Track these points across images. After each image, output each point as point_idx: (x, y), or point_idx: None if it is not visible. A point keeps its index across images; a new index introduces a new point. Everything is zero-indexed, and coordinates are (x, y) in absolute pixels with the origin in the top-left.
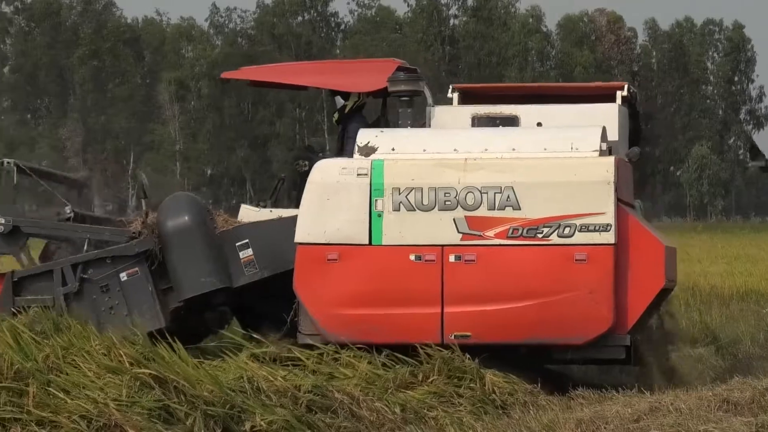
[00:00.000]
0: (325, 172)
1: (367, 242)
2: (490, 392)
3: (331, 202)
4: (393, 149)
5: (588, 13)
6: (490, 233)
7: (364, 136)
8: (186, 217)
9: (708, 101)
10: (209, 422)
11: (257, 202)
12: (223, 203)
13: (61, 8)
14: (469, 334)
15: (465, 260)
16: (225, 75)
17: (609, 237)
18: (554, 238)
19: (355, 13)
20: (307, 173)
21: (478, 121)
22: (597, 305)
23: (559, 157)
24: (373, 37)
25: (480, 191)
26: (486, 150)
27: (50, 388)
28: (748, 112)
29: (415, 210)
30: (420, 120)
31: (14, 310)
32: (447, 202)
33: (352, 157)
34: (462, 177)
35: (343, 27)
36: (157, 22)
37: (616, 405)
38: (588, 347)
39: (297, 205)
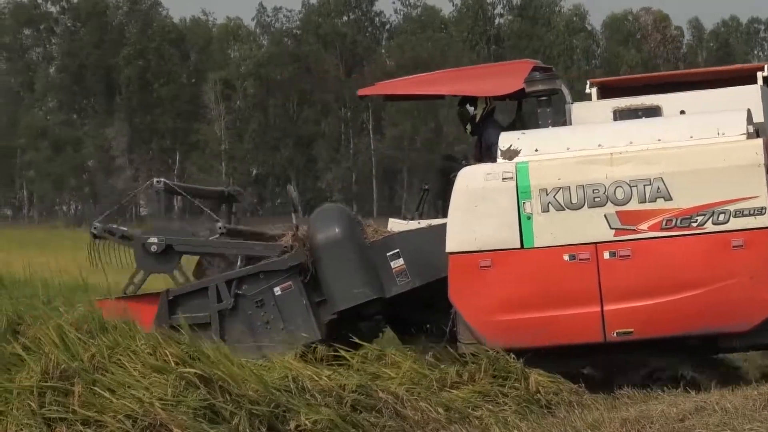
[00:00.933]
0: (471, 179)
1: (518, 246)
2: (534, 392)
3: (479, 209)
4: (536, 150)
5: (633, 12)
6: (644, 226)
7: (506, 139)
8: (336, 229)
9: None
10: (254, 421)
11: (404, 216)
12: (267, 203)
13: (107, 8)
14: (631, 330)
15: (620, 256)
16: (361, 92)
17: (765, 220)
18: (709, 226)
19: (401, 13)
20: None
21: (620, 115)
22: (759, 290)
23: (706, 144)
24: (418, 37)
25: (629, 185)
26: (631, 143)
27: (96, 388)
28: None
29: (564, 209)
30: (560, 119)
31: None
32: (596, 199)
33: (493, 162)
34: (609, 172)
35: (388, 27)
36: (203, 22)
37: (661, 404)
38: (754, 333)
39: (445, 215)
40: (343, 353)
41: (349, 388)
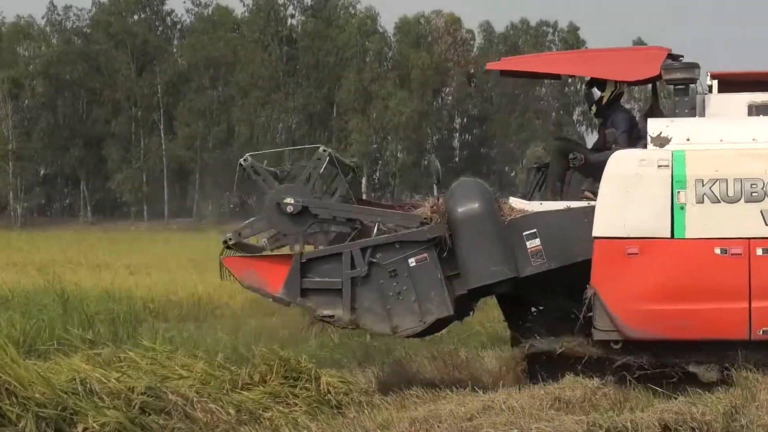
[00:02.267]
0: (624, 163)
1: (668, 235)
2: (325, 392)
3: (631, 195)
4: (688, 139)
5: (425, 15)
6: None
7: (656, 125)
8: (477, 203)
9: (542, 102)
10: (41, 424)
11: (521, 195)
12: (55, 204)
13: None
14: None
15: None
16: (490, 66)
17: None
18: None
19: (192, 12)
20: (580, 168)
21: (756, 110)
22: None
23: None
24: (210, 37)
25: None
26: None
27: None
28: (581, 113)
29: (719, 202)
30: (690, 108)
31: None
32: (753, 194)
33: (618, 148)
34: None
35: (180, 26)
36: None
37: (449, 404)
38: None
39: (562, 198)
40: (132, 355)
41: (138, 390)
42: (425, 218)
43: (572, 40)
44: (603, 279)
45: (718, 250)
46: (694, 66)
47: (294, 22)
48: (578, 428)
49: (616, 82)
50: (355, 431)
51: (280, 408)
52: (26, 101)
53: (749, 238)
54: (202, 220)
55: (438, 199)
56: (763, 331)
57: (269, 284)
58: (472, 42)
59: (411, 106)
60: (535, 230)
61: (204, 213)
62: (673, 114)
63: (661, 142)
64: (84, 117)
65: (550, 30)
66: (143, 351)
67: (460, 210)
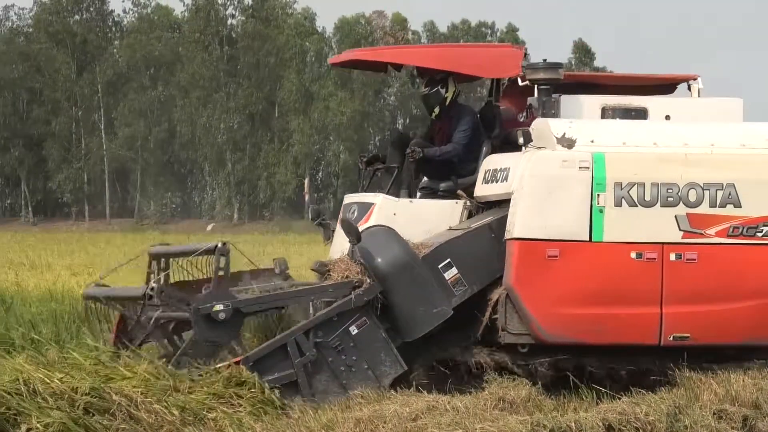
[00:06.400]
0: (546, 164)
1: (587, 238)
2: (269, 393)
3: (553, 197)
4: (592, 141)
5: (365, 15)
6: (711, 231)
7: (558, 126)
8: (397, 251)
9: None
10: None
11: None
12: None
13: None
14: (688, 335)
15: (686, 259)
16: (331, 60)
17: None
18: None
19: (130, 12)
20: (419, 161)
21: (610, 113)
22: None
23: None
24: (149, 37)
25: (702, 188)
26: (713, 145)
27: None
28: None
29: (636, 206)
30: (554, 109)
31: None
32: (669, 199)
33: (460, 146)
34: (684, 173)
35: (120, 26)
36: None
37: (394, 404)
38: None
39: (414, 195)
40: (75, 356)
41: (81, 391)
42: (356, 282)
43: (510, 40)
44: (523, 281)
45: (633, 255)
46: (557, 66)
47: (234, 22)
48: (522, 428)
49: (456, 81)
50: None
51: (224, 409)
52: None
53: (663, 243)
54: (144, 220)
55: (351, 260)
56: (674, 337)
57: None
58: (417, 42)
59: (352, 106)
60: (449, 260)
61: (145, 213)
62: (540, 115)
63: (568, 143)
64: (24, 117)
65: (488, 30)
66: (87, 351)
67: (384, 262)
